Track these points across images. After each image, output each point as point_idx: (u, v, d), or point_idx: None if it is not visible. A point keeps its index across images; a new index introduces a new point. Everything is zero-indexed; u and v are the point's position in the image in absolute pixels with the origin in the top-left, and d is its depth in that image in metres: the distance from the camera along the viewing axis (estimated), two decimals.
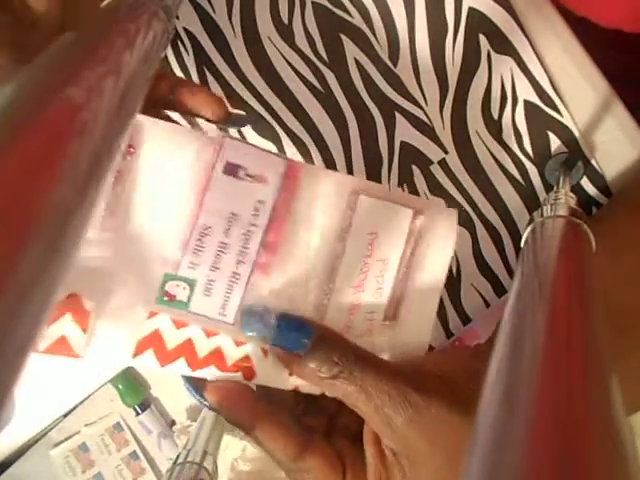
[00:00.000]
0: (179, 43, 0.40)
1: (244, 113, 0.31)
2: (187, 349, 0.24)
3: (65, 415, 0.44)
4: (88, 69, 0.14)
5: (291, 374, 0.25)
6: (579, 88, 0.41)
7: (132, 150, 0.23)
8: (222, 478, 0.43)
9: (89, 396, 0.44)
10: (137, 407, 0.45)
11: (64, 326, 0.23)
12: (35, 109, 0.12)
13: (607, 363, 0.15)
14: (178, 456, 0.37)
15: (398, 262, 0.26)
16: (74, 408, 0.44)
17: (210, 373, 0.25)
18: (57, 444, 0.45)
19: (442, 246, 0.26)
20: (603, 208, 0.42)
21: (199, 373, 0.25)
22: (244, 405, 0.25)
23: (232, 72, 0.41)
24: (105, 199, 0.23)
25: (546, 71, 0.41)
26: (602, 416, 0.13)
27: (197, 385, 0.26)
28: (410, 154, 0.41)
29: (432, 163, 0.41)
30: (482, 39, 0.41)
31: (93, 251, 0.23)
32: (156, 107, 0.28)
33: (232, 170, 0.24)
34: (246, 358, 0.25)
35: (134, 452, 0.46)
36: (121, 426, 0.46)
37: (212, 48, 0.40)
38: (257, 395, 0.25)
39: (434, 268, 0.27)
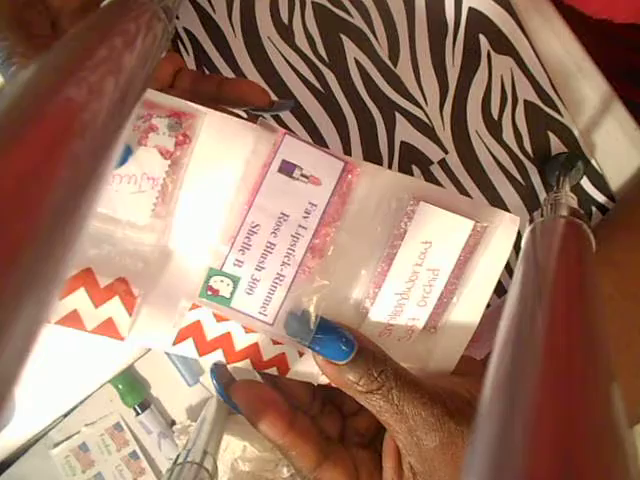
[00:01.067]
0: (179, 43, 0.40)
1: (284, 100, 0.31)
2: (225, 342, 0.25)
3: (65, 415, 0.44)
4: (88, 69, 0.14)
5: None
6: (579, 88, 0.41)
7: (187, 140, 0.23)
8: (222, 478, 0.43)
9: (89, 396, 0.44)
10: (137, 407, 0.45)
11: (112, 308, 0.23)
12: (35, 109, 0.12)
13: (608, 363, 0.15)
14: (178, 456, 0.37)
15: (449, 273, 0.25)
16: (74, 408, 0.44)
17: (245, 365, 0.25)
18: (57, 444, 0.45)
19: (495, 260, 0.26)
20: (602, 226, 0.41)
21: (235, 364, 0.25)
22: (272, 410, 0.24)
23: (232, 72, 0.41)
24: (158, 186, 0.23)
25: (546, 71, 0.41)
26: (603, 417, 0.13)
27: (224, 382, 0.26)
28: (410, 154, 0.41)
29: (432, 163, 0.41)
30: (482, 39, 0.41)
31: (143, 237, 0.23)
32: (207, 105, 0.29)
33: (287, 169, 0.23)
34: (282, 355, 0.25)
35: (134, 452, 0.46)
36: (121, 426, 0.46)
37: (212, 48, 0.40)
38: (282, 399, 0.25)
39: (483, 281, 0.26)
